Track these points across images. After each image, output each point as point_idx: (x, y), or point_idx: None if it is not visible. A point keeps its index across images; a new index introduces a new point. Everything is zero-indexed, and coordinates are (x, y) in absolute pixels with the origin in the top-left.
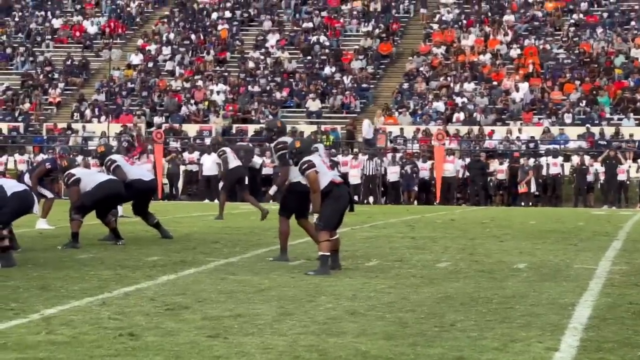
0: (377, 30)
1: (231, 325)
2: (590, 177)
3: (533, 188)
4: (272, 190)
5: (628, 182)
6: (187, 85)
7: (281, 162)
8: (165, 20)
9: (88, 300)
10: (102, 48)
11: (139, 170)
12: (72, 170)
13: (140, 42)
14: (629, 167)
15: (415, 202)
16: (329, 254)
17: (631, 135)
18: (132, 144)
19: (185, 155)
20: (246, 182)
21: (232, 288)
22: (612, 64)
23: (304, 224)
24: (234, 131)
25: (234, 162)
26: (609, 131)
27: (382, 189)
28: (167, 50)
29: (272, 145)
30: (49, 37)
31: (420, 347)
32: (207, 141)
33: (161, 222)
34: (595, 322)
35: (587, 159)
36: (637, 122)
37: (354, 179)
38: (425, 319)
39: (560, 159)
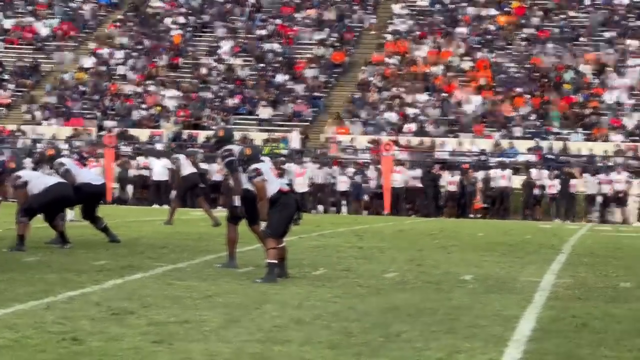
0: (330, 39)
1: (176, 331)
2: (537, 191)
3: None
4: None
5: (575, 196)
6: (139, 89)
7: (229, 169)
8: (119, 24)
9: (33, 303)
10: (54, 51)
11: (89, 173)
12: (20, 173)
13: (92, 45)
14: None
15: (365, 212)
16: (276, 261)
17: (579, 150)
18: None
19: (140, 159)
20: (201, 187)
21: (179, 294)
22: (562, 79)
23: (256, 230)
24: (184, 137)
25: (187, 168)
26: (557, 145)
27: (332, 198)
28: (119, 55)
29: (219, 152)
30: (0, 37)
31: (364, 357)
32: (158, 146)
33: (109, 226)
34: (538, 335)
35: (534, 172)
36: (585, 137)
37: (301, 187)
38: (371, 329)
39: (509, 171)
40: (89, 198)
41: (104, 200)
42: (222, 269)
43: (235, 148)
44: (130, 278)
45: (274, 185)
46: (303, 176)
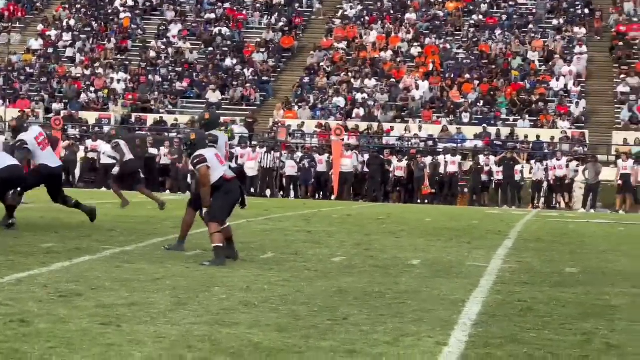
0: (279, 24)
1: (124, 313)
2: (484, 177)
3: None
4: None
5: (522, 183)
6: (87, 72)
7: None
8: (67, 6)
9: None
10: (1, 32)
11: (48, 155)
12: None
13: (40, 27)
14: (522, 167)
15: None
16: (221, 244)
17: (526, 137)
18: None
19: (88, 142)
20: (141, 175)
21: (127, 276)
22: (510, 65)
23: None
24: (133, 120)
25: (127, 155)
26: (504, 132)
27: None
28: (67, 37)
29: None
30: None
31: (312, 340)
32: (106, 129)
33: (79, 202)
34: (485, 319)
35: (482, 158)
36: (532, 123)
37: (251, 171)
38: (319, 312)
39: (457, 157)
40: (45, 180)
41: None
42: (169, 251)
43: (218, 134)
44: (78, 261)
45: (217, 172)
46: (255, 160)
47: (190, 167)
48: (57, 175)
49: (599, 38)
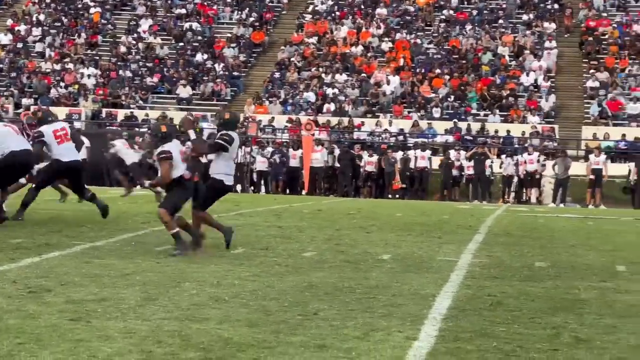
0: (250, 19)
1: (94, 309)
2: (455, 172)
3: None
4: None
5: (492, 178)
6: (57, 67)
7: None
8: (36, 0)
9: None
10: None
11: (63, 149)
12: None
13: (9, 22)
14: (492, 162)
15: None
16: (177, 229)
17: (496, 131)
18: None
19: None
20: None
21: (97, 272)
22: (480, 60)
23: (204, 217)
24: (103, 115)
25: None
26: (475, 127)
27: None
28: (37, 32)
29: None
30: None
31: (282, 335)
32: (77, 125)
33: (95, 195)
34: (454, 313)
35: (453, 153)
36: (502, 118)
37: None
38: (289, 307)
39: (428, 152)
40: (61, 175)
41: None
42: (139, 246)
43: (234, 135)
44: (47, 256)
45: (178, 170)
46: None
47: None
48: (73, 169)
49: (568, 35)
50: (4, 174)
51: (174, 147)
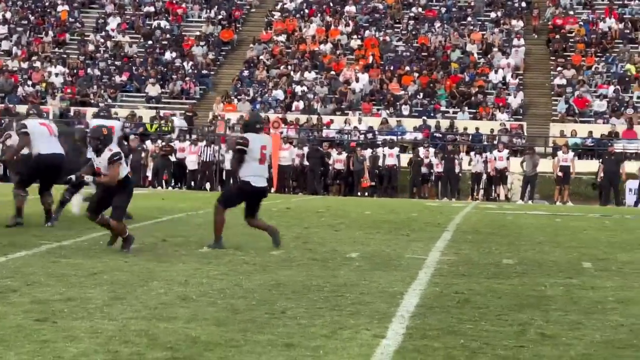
0: (219, 17)
1: (61, 309)
2: (424, 169)
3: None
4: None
5: (461, 175)
6: (25, 65)
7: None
8: None
9: None
10: None
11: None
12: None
13: None
14: (461, 159)
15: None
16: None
17: (465, 129)
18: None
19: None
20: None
21: (64, 271)
22: (449, 58)
23: (254, 223)
24: (72, 114)
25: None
26: (444, 124)
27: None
28: (3, 30)
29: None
30: None
31: (250, 334)
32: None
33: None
34: (422, 311)
35: (422, 151)
36: (471, 115)
37: (192, 164)
38: (257, 306)
39: (396, 150)
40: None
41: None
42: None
43: (250, 136)
44: (13, 256)
45: (125, 170)
46: (195, 154)
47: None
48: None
49: (536, 36)
50: (29, 175)
51: (121, 150)
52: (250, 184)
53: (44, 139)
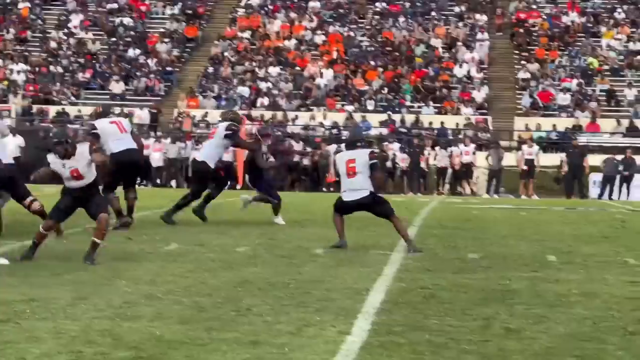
0: (183, 14)
1: (23, 309)
2: (389, 164)
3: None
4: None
5: (427, 170)
6: None
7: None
8: None
9: None
10: None
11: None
12: None
13: None
14: (429, 154)
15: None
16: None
17: (430, 123)
18: None
19: None
20: None
21: (27, 272)
22: (413, 52)
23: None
24: (34, 111)
25: None
26: (409, 119)
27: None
28: None
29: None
30: None
31: (215, 332)
32: (7, 122)
33: None
34: (388, 306)
35: (387, 146)
36: (436, 110)
37: (156, 161)
38: (222, 304)
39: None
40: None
41: None
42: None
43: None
44: None
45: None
46: (160, 151)
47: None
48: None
49: (501, 34)
50: (111, 176)
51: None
52: (341, 199)
53: (116, 137)
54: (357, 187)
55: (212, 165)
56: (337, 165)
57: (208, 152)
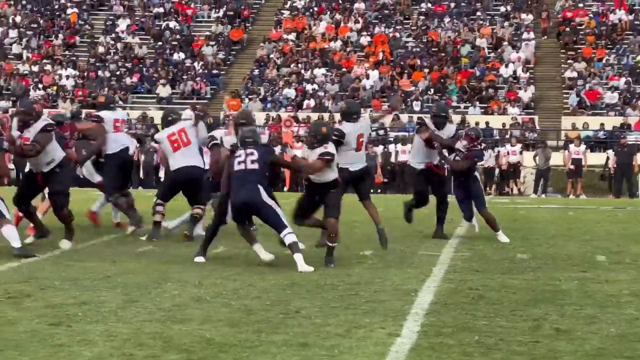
0: (227, 17)
1: (75, 313)
2: None
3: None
4: None
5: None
6: (35, 69)
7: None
8: (12, 2)
9: None
10: None
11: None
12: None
13: None
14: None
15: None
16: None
17: (477, 123)
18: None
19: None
20: None
21: (77, 275)
22: (459, 53)
23: (368, 207)
24: (83, 116)
25: None
26: (456, 119)
27: None
28: (13, 33)
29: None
30: None
31: (264, 334)
32: None
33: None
34: (437, 308)
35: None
36: (482, 110)
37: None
38: (271, 306)
39: (409, 146)
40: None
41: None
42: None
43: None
44: (26, 261)
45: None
46: (207, 154)
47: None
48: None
49: (546, 37)
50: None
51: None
52: (348, 169)
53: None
54: (362, 160)
55: None
56: (347, 140)
57: None
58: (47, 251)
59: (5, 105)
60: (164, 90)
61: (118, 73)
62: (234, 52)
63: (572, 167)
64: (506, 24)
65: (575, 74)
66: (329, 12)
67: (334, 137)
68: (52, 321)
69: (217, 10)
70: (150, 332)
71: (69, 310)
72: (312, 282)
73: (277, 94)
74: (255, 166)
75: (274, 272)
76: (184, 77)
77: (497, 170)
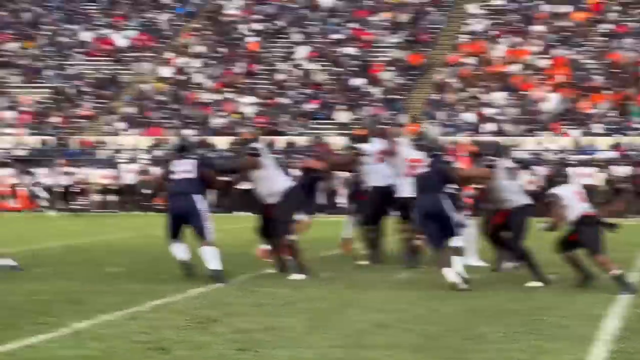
0: (405, 41)
1: (261, 338)
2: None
3: None
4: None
5: None
6: (217, 97)
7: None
8: (194, 32)
9: (118, 314)
10: (132, 61)
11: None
12: None
13: (169, 55)
14: None
15: None
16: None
17: None
18: None
19: None
20: None
21: (262, 301)
22: None
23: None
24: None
25: None
26: (638, 141)
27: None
28: (196, 63)
29: None
30: (79, 50)
31: None
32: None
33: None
34: (625, 334)
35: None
36: None
37: None
38: (453, 332)
39: (591, 169)
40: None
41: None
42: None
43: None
44: (213, 286)
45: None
46: None
47: None
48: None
49: None
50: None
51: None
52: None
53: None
54: None
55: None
56: None
57: None
58: (231, 277)
59: (189, 134)
60: (343, 116)
61: (297, 99)
62: (412, 77)
63: None
64: None
65: None
66: (507, 36)
67: None
68: (240, 346)
69: (395, 36)
70: (335, 358)
71: (255, 336)
72: (494, 307)
73: (456, 118)
74: None
75: (454, 298)
76: (362, 102)
77: None
